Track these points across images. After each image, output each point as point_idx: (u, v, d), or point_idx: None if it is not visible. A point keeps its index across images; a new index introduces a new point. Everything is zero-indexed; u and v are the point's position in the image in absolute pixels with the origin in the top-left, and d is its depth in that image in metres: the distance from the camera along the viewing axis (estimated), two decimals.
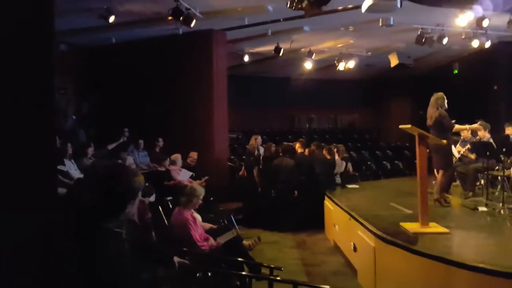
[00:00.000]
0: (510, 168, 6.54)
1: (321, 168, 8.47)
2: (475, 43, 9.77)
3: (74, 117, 9.30)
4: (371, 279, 4.73)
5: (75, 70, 10.25)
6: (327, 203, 7.46)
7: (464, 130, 7.71)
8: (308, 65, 12.76)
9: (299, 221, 7.80)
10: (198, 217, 4.96)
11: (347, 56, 12.20)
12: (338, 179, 9.27)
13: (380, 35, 10.21)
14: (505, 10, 8.44)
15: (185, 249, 4.16)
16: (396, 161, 11.90)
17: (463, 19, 8.47)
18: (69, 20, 8.14)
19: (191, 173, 7.83)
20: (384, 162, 11.97)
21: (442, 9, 8.22)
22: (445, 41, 9.32)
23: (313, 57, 11.40)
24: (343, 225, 6.29)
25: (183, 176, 7.60)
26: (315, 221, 7.69)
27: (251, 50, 11.70)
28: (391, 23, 8.46)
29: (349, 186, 8.86)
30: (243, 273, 4.21)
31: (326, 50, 11.82)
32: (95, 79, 10.36)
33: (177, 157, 7.89)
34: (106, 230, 1.81)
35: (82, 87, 10.58)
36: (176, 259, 3.40)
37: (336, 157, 9.39)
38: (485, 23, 8.34)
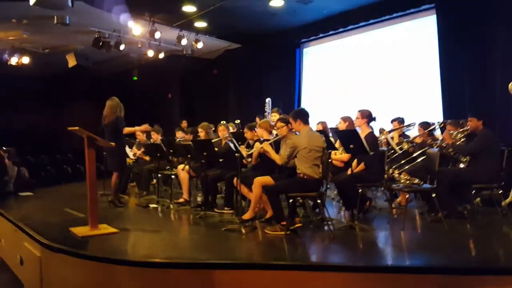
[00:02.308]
0: (178, 167, 7.28)
1: None
2: (150, 53, 10.56)
3: None
4: None
5: None
6: None
7: (139, 133, 8.19)
8: None
9: None
10: None
11: (20, 51, 11.02)
12: (10, 187, 8.39)
13: (57, 33, 9.71)
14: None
15: None
16: (78, 165, 11.53)
17: (137, 28, 9.00)
18: None
19: None
20: (65, 166, 11.44)
21: (119, 15, 8.50)
22: (122, 47, 9.65)
23: None
24: (10, 238, 5.65)
25: None
26: None
27: None
28: (67, 22, 8.17)
29: (22, 194, 8.17)
30: None
31: None
32: None
33: None
34: None
35: None
36: None
37: (7, 161, 8.46)
38: (157, 35, 9.11)
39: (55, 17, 8.13)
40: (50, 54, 11.46)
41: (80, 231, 4.60)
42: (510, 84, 5.31)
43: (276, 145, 5.32)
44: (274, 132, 5.63)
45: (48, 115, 15.02)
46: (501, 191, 5.21)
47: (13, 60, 11.14)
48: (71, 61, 10.49)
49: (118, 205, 6.45)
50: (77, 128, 4.66)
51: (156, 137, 7.99)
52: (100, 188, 6.89)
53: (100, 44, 9.37)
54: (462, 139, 5.59)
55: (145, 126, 7.22)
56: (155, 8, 8.84)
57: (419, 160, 5.80)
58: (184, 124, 10.27)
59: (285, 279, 3.49)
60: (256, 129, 5.93)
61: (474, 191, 5.23)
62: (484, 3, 7.39)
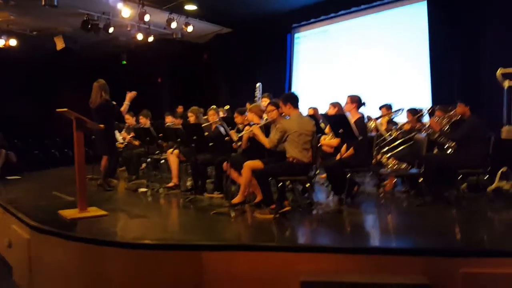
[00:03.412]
0: (167, 152, 7.27)
1: None
2: (139, 36, 10.43)
3: None
4: (27, 274, 4.38)
5: None
6: None
7: (129, 117, 8.14)
8: None
9: None
10: None
11: (7, 33, 10.83)
12: None
13: (45, 15, 9.53)
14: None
15: None
16: (66, 150, 11.45)
17: (127, 11, 8.87)
18: None
19: None
20: (53, 150, 11.37)
21: None
22: (111, 30, 9.52)
23: None
24: None
25: None
26: None
27: None
28: (55, 3, 8.02)
29: (10, 177, 8.16)
30: None
31: None
32: None
33: None
34: None
35: None
36: None
37: None
38: (146, 18, 9.00)
39: None
40: (38, 37, 11.25)
41: (69, 213, 4.58)
42: (498, 71, 5.36)
43: (266, 130, 5.32)
44: (265, 116, 5.62)
45: (36, 99, 14.82)
46: (487, 176, 5.28)
47: (0, 43, 10.95)
48: (59, 44, 10.36)
49: (107, 188, 6.43)
50: (65, 109, 4.61)
51: (145, 122, 7.94)
52: (88, 172, 6.86)
53: (89, 26, 9.24)
54: (449, 125, 5.62)
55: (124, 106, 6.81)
56: None
57: (407, 144, 5.84)
58: (180, 109, 10.19)
59: (273, 260, 3.52)
60: (246, 113, 5.91)
61: (460, 176, 5.29)
62: None
